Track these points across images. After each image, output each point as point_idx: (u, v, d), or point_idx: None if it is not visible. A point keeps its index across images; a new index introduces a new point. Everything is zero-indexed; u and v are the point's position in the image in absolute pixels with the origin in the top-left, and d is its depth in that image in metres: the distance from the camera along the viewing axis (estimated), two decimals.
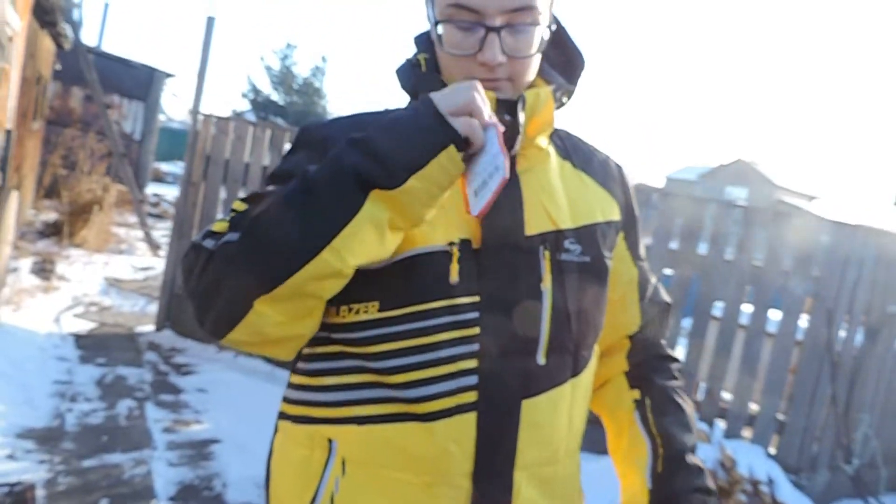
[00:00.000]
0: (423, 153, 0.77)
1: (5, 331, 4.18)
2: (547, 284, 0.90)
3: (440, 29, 0.89)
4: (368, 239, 0.77)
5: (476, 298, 0.86)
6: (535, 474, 0.90)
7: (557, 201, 0.95)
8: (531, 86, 0.95)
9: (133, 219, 9.30)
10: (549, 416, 0.91)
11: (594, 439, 4.08)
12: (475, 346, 0.85)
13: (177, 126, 23.62)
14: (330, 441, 0.89)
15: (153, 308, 5.45)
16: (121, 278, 6.64)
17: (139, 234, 8.70)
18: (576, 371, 0.95)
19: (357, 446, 0.87)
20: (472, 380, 0.85)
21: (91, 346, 4.52)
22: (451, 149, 0.77)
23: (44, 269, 6.08)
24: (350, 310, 0.87)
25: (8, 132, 4.86)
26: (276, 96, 27.04)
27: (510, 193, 0.89)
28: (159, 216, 11.28)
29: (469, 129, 0.77)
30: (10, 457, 2.84)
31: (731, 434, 3.66)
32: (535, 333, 0.89)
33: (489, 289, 0.87)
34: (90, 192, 7.80)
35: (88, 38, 15.03)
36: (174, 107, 36.18)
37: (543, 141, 0.96)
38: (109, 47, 23.67)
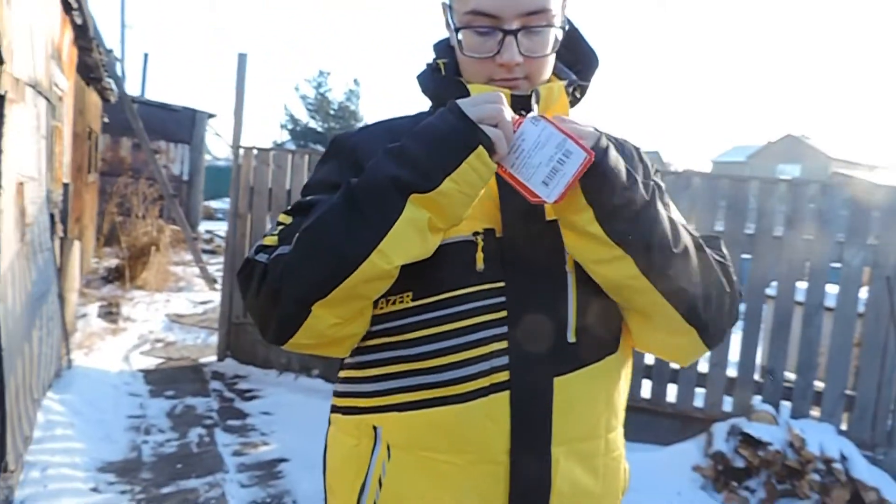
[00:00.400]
0: (455, 156, 0.83)
1: (80, 373, 4.41)
2: (570, 266, 0.94)
3: (460, 35, 0.96)
4: (411, 240, 0.84)
5: (502, 284, 0.91)
6: (574, 450, 0.93)
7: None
8: (546, 83, 1.00)
9: (188, 256, 9.64)
10: (585, 393, 0.94)
11: (656, 431, 4.01)
12: (504, 329, 0.90)
13: (222, 164, 24.37)
14: (375, 428, 0.95)
15: (214, 339, 5.65)
16: (182, 314, 6.90)
17: (195, 270, 9.02)
18: (612, 349, 0.98)
19: (400, 432, 0.93)
20: (504, 360, 0.90)
21: (159, 380, 4.72)
22: (481, 150, 0.83)
23: (110, 313, 6.38)
24: (388, 301, 0.93)
25: (65, 186, 5.15)
26: (313, 124, 27.65)
27: None
28: (213, 252, 11.66)
29: (496, 138, 0.83)
30: (94, 489, 3.00)
31: (799, 414, 3.57)
32: (562, 313, 0.93)
33: (514, 273, 0.92)
34: (146, 235, 8.15)
35: (132, 88, 15.73)
36: (218, 145, 37.35)
37: None
38: (153, 94, 24.69)
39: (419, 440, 0.92)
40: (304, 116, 27.88)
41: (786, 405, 3.63)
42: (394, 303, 0.93)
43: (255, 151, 5.05)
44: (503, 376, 0.90)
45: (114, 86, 8.41)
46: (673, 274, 0.89)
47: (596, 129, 0.88)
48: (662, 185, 1.10)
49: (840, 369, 3.55)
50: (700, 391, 3.81)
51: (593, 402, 0.95)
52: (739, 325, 3.77)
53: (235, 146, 5.10)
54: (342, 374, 1.03)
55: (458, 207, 0.86)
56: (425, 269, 0.89)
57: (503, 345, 0.90)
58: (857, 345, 3.66)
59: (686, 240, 0.92)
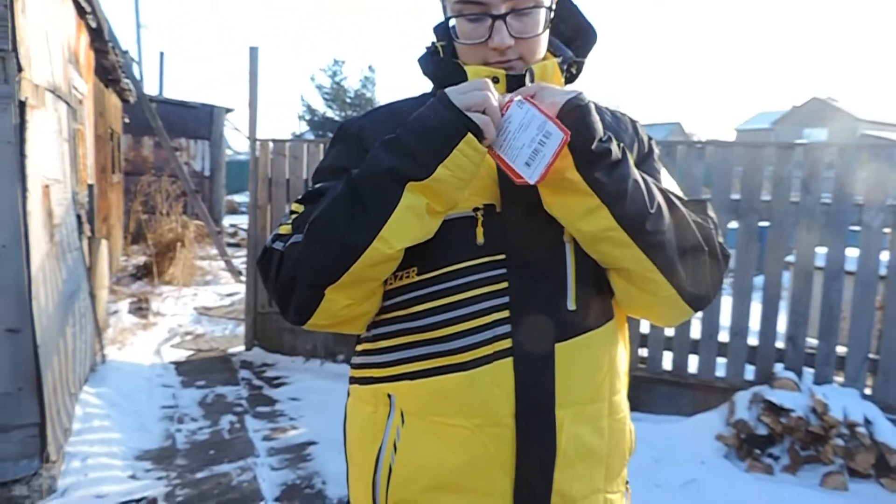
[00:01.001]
0: (446, 144, 0.88)
1: (114, 367, 4.56)
2: (568, 237, 0.98)
3: (452, 23, 1.01)
4: (411, 225, 0.90)
5: (502, 256, 0.96)
6: (579, 413, 0.97)
7: None
8: (541, 61, 1.03)
9: (214, 250, 9.82)
10: (586, 359, 0.98)
11: (678, 402, 4.02)
12: (505, 299, 0.95)
13: (243, 158, 24.64)
14: (389, 396, 1.01)
15: (241, 329, 5.78)
16: (209, 306, 7.06)
17: (221, 263, 9.19)
18: (611, 315, 1.02)
19: (411, 399, 0.98)
20: (506, 328, 0.95)
21: (190, 371, 4.85)
22: (470, 137, 0.88)
23: (140, 308, 6.54)
24: (395, 277, 0.99)
25: (90, 187, 5.28)
26: (331, 113, 27.69)
27: None
28: (238, 245, 11.84)
29: (483, 124, 0.88)
30: (132, 476, 3.12)
31: (822, 380, 3.56)
32: (562, 282, 0.97)
33: (514, 246, 0.96)
34: (171, 231, 8.31)
35: (150, 87, 15.92)
36: (238, 140, 37.74)
37: None
38: (171, 92, 24.95)
39: (430, 406, 0.97)
40: (321, 106, 27.94)
41: (809, 371, 3.62)
42: (400, 278, 0.98)
43: (271, 144, 5.13)
44: (506, 344, 0.94)
45: (132, 86, 8.54)
46: (649, 228, 0.92)
47: (575, 90, 0.92)
48: (657, 151, 1.13)
49: (863, 333, 3.52)
50: (721, 361, 3.82)
51: (595, 366, 0.99)
52: (759, 293, 3.77)
53: (252, 139, 5.18)
54: (359, 347, 1.09)
55: (454, 191, 0.91)
56: (429, 245, 0.95)
57: (505, 314, 0.95)
58: (879, 308, 3.62)
59: (660, 199, 0.95)
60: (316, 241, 0.90)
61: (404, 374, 0.99)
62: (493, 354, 0.94)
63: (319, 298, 0.92)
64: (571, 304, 0.97)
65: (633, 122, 1.14)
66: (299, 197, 1.03)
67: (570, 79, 1.08)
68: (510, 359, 0.94)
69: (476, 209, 0.97)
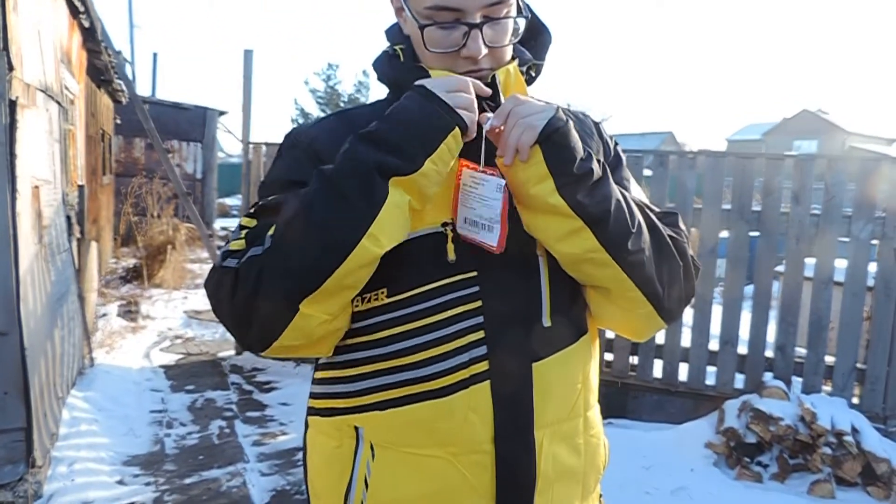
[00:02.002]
0: (435, 137, 0.84)
1: (103, 371, 4.52)
2: (541, 250, 0.95)
3: (423, 31, 0.93)
4: (396, 221, 0.85)
5: (474, 273, 0.92)
6: (556, 431, 0.95)
7: None
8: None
9: (205, 254, 9.77)
10: (563, 375, 0.96)
11: (668, 410, 4.02)
12: (480, 319, 0.91)
13: (235, 161, 24.54)
14: (356, 428, 0.95)
15: None
16: (199, 310, 7.01)
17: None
18: (585, 329, 1.00)
19: (382, 430, 0.93)
20: (482, 350, 0.90)
21: (180, 375, 4.82)
22: (456, 131, 0.85)
23: (130, 311, 6.50)
24: (362, 300, 0.92)
25: (81, 188, 5.24)
26: None
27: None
28: None
29: (469, 122, 0.86)
30: (120, 482, 3.10)
31: (811, 389, 3.58)
32: (536, 298, 0.94)
33: (486, 262, 0.91)
34: (162, 233, 8.27)
35: (142, 88, 15.84)
36: (231, 142, 37.62)
37: None
38: (163, 93, 24.82)
39: (403, 437, 0.92)
40: (314, 110, 27.89)
41: (797, 380, 3.64)
42: (368, 300, 0.92)
43: (263, 147, 5.12)
44: (482, 366, 0.90)
45: (124, 87, 8.50)
46: (631, 247, 0.89)
47: (550, 104, 0.89)
48: (623, 157, 1.10)
49: (850, 343, 3.55)
50: (711, 369, 3.84)
51: (571, 383, 0.97)
52: (749, 302, 3.79)
53: (245, 142, 5.17)
54: (318, 375, 1.02)
55: (433, 186, 0.87)
56: (398, 264, 0.89)
57: (480, 335, 0.91)
58: (867, 318, 3.65)
59: (639, 216, 0.93)
60: (292, 244, 0.82)
61: (373, 403, 0.93)
62: (470, 378, 0.90)
63: (292, 314, 0.83)
64: (546, 321, 0.93)
65: (597, 125, 1.10)
66: (249, 210, 0.93)
67: (528, 81, 1.04)
68: (487, 382, 0.90)
69: (444, 224, 0.92)
